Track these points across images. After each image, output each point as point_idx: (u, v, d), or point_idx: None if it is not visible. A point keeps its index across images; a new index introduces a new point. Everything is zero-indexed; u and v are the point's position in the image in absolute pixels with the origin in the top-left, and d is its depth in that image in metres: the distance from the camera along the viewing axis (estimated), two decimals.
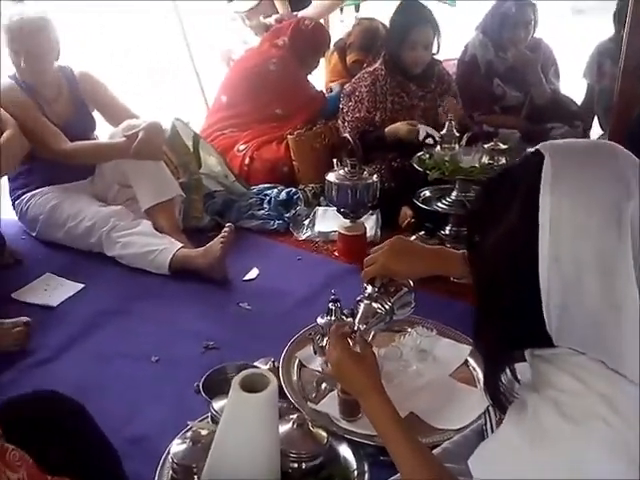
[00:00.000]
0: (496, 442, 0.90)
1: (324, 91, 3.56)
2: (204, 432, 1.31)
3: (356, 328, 1.34)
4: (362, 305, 1.37)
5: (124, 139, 2.50)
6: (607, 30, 3.22)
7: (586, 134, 3.31)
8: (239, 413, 1.14)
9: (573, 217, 0.75)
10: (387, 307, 1.34)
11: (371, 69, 2.97)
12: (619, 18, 2.97)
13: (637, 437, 0.71)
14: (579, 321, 0.76)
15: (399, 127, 2.76)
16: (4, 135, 2.31)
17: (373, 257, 1.37)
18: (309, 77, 3.68)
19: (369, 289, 1.37)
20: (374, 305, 1.36)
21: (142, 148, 2.47)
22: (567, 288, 0.75)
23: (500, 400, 0.89)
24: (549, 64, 3.34)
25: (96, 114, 2.75)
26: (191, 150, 2.82)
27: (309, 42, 3.36)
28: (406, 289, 1.38)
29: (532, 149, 0.84)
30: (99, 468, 1.00)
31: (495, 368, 0.88)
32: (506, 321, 0.84)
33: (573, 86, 3.48)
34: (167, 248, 2.36)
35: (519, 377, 0.88)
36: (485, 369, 0.92)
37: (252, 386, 1.16)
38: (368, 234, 2.58)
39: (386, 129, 2.80)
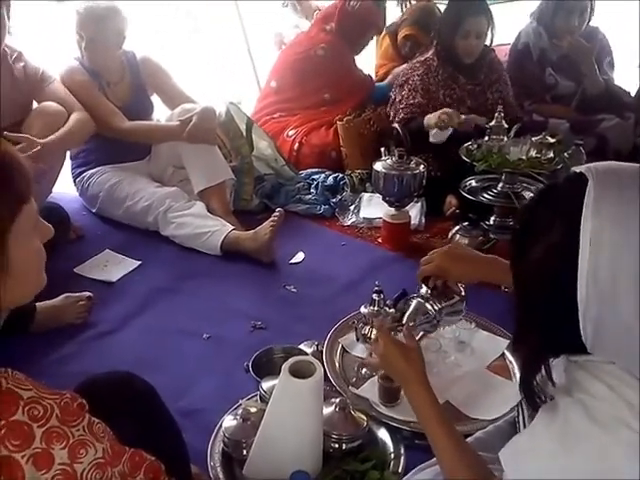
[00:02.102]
0: (527, 440, 0.96)
1: (372, 76, 3.57)
2: (253, 410, 1.41)
3: (405, 323, 1.41)
4: (414, 302, 1.45)
5: (179, 123, 2.60)
6: None
7: (638, 126, 3.27)
8: (287, 396, 1.24)
9: (613, 238, 0.80)
10: (437, 309, 1.41)
11: (422, 59, 2.99)
12: None
13: None
14: (612, 333, 0.82)
15: (430, 118, 2.75)
16: (73, 117, 2.43)
17: (430, 257, 1.44)
18: (359, 59, 3.72)
19: (423, 289, 1.44)
20: (426, 305, 1.43)
21: (195, 132, 2.57)
22: (603, 303, 0.80)
23: (534, 399, 0.95)
24: (604, 54, 3.27)
25: (155, 98, 2.85)
26: (244, 134, 2.90)
27: (357, 23, 3.34)
28: (458, 298, 1.45)
29: (577, 169, 0.88)
30: (166, 445, 1.10)
31: (531, 371, 0.94)
32: (544, 331, 0.90)
33: (628, 76, 3.42)
34: (219, 230, 2.46)
35: (555, 379, 0.94)
36: (521, 371, 0.98)
37: (300, 372, 1.25)
38: (412, 222, 2.64)
39: (425, 119, 2.79)
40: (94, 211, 2.77)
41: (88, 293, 2.11)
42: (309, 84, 3.26)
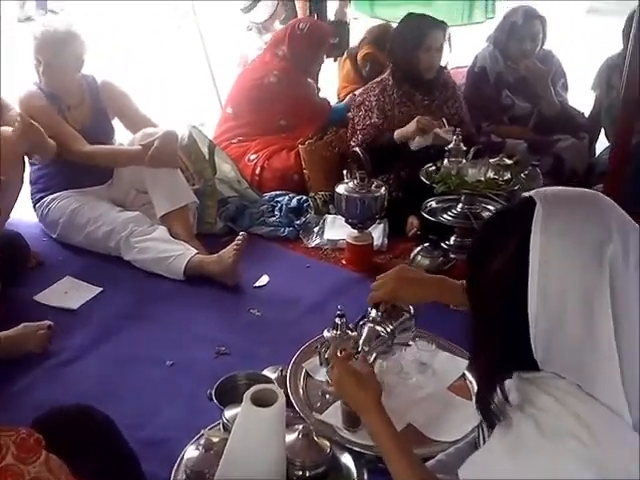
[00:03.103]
0: (483, 457, 0.98)
1: (329, 100, 3.60)
2: (216, 439, 1.40)
3: (360, 349, 1.43)
4: (366, 328, 1.47)
5: (141, 147, 2.60)
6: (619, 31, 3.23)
7: (592, 146, 3.38)
8: (249, 425, 1.24)
9: (560, 256, 0.84)
10: (389, 330, 1.44)
11: (379, 79, 3.05)
12: (627, 34, 3.01)
13: (606, 454, 0.80)
14: (561, 349, 0.85)
15: (402, 130, 2.81)
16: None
17: (379, 283, 1.46)
18: (321, 80, 3.76)
19: (373, 313, 1.47)
20: (377, 328, 1.45)
21: (157, 156, 2.57)
22: (552, 320, 0.84)
23: (491, 417, 0.97)
24: (558, 76, 3.38)
25: (117, 122, 2.84)
26: (207, 157, 2.91)
27: (307, 44, 3.32)
28: (407, 315, 1.48)
29: (526, 194, 0.92)
30: (123, 477, 1.09)
31: (487, 389, 0.97)
32: (498, 348, 0.93)
33: (582, 96, 3.53)
34: (182, 254, 2.46)
35: (510, 398, 0.97)
36: (478, 389, 1.01)
37: (262, 400, 1.25)
38: (375, 243, 2.67)
39: (395, 133, 2.86)
40: (54, 237, 2.73)
41: (48, 322, 2.08)
42: (264, 111, 3.25)
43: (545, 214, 0.86)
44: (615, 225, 0.85)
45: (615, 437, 0.81)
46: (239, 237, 2.43)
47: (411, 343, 1.79)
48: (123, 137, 2.86)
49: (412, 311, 1.50)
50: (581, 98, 3.54)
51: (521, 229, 0.87)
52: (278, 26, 3.70)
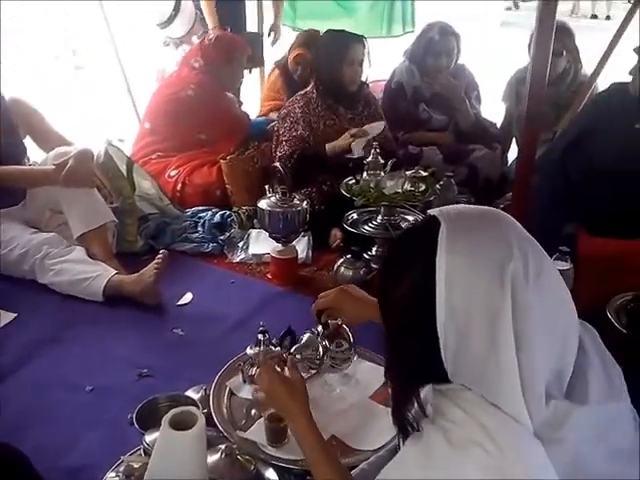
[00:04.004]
0: (395, 466, 1.01)
1: (249, 114, 3.60)
2: (137, 465, 1.38)
3: (291, 353, 1.45)
4: (306, 336, 1.49)
5: (54, 167, 2.52)
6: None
7: (504, 155, 3.53)
8: (169, 450, 1.23)
9: (464, 275, 0.87)
10: (324, 348, 1.47)
11: (302, 92, 3.10)
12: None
13: (510, 461, 0.83)
14: (467, 363, 0.89)
15: (339, 141, 2.88)
16: None
17: (327, 292, 1.52)
18: (244, 95, 3.76)
19: (319, 327, 1.49)
20: (316, 342, 1.48)
21: (72, 176, 2.50)
22: (459, 335, 0.88)
23: (406, 429, 1.01)
24: (471, 89, 3.52)
25: (29, 141, 2.75)
26: (125, 174, 2.85)
27: (217, 55, 3.29)
28: (347, 345, 1.51)
29: (430, 212, 0.96)
30: None
31: (401, 401, 1.00)
32: (411, 362, 0.96)
33: (495, 108, 3.68)
34: (100, 275, 2.40)
35: (426, 410, 1.00)
36: (393, 402, 1.03)
37: (182, 423, 1.24)
38: (300, 256, 2.69)
39: (327, 146, 2.91)
40: None
41: None
42: (182, 125, 3.22)
43: (449, 235, 0.89)
44: (515, 242, 0.89)
45: (518, 446, 0.85)
46: (159, 255, 2.39)
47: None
48: (37, 156, 2.77)
49: (352, 340, 1.54)
50: (495, 109, 3.69)
51: (427, 248, 0.90)
52: (196, 41, 3.67)
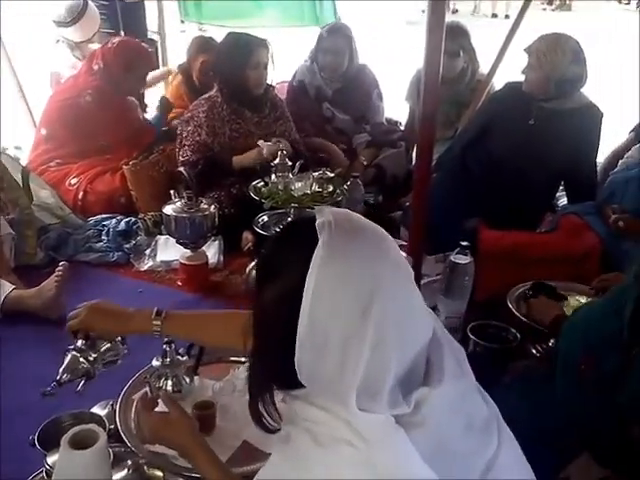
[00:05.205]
0: (267, 471, 0.98)
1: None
2: None
3: (61, 380, 1.44)
4: (68, 356, 1.45)
5: None
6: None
7: (409, 153, 3.62)
8: (69, 470, 1.18)
9: (330, 298, 0.86)
10: (91, 360, 1.45)
11: (207, 96, 3.05)
12: None
13: (376, 451, 0.84)
14: (321, 379, 0.89)
15: (246, 156, 2.85)
16: None
17: (76, 312, 1.47)
18: (149, 99, 3.66)
19: (79, 342, 1.45)
20: (80, 358, 1.44)
21: None
22: (315, 351, 0.87)
23: (262, 422, 1.00)
24: (372, 87, 3.59)
25: None
26: (20, 184, 2.72)
27: (119, 60, 3.16)
28: (108, 344, 1.49)
29: (318, 217, 0.91)
30: None
31: (256, 398, 0.99)
32: (271, 363, 0.95)
33: (400, 106, 3.76)
34: None
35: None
36: (249, 397, 1.01)
37: (84, 441, 1.19)
38: (211, 261, 2.66)
39: (234, 160, 2.88)
40: None
41: None
42: (81, 132, 3.10)
43: (325, 254, 0.87)
44: (389, 270, 0.88)
45: (382, 434, 0.86)
46: (59, 267, 2.30)
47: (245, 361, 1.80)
48: None
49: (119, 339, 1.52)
50: (399, 108, 3.77)
51: (302, 260, 0.87)
52: (92, 48, 3.52)
